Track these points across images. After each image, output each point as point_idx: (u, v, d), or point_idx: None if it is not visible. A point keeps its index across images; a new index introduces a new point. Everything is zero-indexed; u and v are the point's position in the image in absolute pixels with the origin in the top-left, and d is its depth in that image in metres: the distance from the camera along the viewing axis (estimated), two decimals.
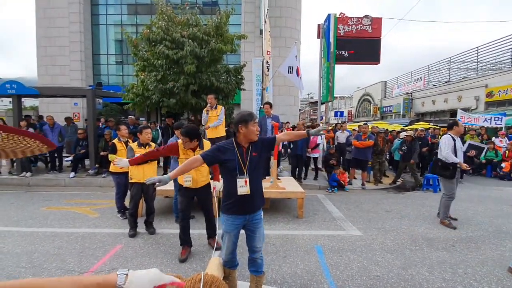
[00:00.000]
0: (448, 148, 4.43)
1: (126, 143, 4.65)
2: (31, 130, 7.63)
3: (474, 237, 4.09)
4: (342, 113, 31.42)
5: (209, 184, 3.34)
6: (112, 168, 4.67)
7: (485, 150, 8.17)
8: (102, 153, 7.19)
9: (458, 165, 4.41)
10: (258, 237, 2.35)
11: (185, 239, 3.36)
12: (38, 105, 17.60)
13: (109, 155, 4.57)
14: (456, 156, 4.42)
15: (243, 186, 2.23)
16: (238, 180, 2.23)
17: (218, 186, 3.12)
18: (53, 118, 7.89)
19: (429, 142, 8.86)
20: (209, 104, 5.49)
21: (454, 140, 4.47)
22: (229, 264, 2.52)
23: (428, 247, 3.70)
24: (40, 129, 7.94)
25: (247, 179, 2.23)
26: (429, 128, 12.87)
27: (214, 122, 5.45)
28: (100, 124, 8.75)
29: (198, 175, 3.22)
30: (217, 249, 3.29)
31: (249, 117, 2.21)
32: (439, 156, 4.64)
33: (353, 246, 3.71)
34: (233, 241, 2.39)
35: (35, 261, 3.18)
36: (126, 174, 4.18)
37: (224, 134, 5.70)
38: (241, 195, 2.23)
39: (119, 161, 3.15)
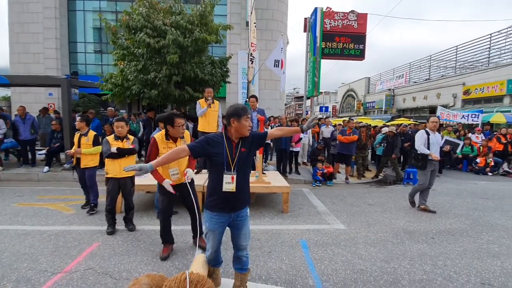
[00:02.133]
0: (420, 141, 4.89)
1: (80, 136, 4.52)
2: (1, 121, 7.12)
3: (452, 229, 4.22)
4: (327, 107, 31.84)
5: (192, 179, 3.19)
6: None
7: (461, 146, 8.50)
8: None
9: (429, 157, 4.80)
10: (244, 234, 2.27)
11: (167, 238, 3.23)
12: (10, 95, 16.54)
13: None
14: (428, 149, 4.81)
15: (229, 183, 2.12)
16: (224, 176, 2.12)
17: (189, 173, 2.90)
18: (25, 108, 7.37)
19: (411, 138, 9.08)
20: (209, 98, 5.27)
21: (428, 134, 4.88)
22: (213, 262, 2.44)
23: (409, 240, 3.78)
24: (11, 121, 7.42)
25: (234, 176, 2.12)
26: (410, 124, 13.27)
27: (202, 110, 5.25)
28: (75, 116, 8.28)
29: (181, 167, 3.07)
30: (200, 247, 3.19)
31: (243, 111, 2.10)
32: (414, 148, 5.08)
33: (337, 240, 3.73)
34: (218, 239, 2.30)
35: (5, 261, 2.96)
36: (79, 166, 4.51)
37: (217, 130, 5.56)
38: (226, 192, 2.13)
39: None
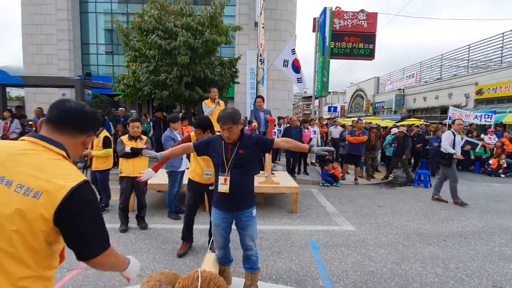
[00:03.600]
0: (447, 141, 5.36)
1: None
2: (17, 121, 7.36)
3: (464, 232, 4.17)
4: (336, 108, 31.57)
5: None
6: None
7: (479, 146, 8.39)
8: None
9: (454, 156, 5.30)
10: (249, 235, 2.30)
11: (187, 235, 3.29)
12: (25, 96, 17.00)
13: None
14: (453, 148, 5.29)
15: (222, 184, 2.19)
16: (219, 176, 2.20)
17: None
18: (42, 110, 7.59)
19: (425, 139, 8.96)
20: (215, 98, 5.35)
21: (454, 135, 5.37)
22: (223, 261, 2.48)
23: (421, 242, 3.74)
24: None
25: (227, 178, 2.17)
26: (420, 125, 13.06)
27: (210, 109, 5.32)
28: None
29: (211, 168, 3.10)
30: (212, 248, 3.24)
31: (218, 120, 2.12)
32: (441, 148, 5.57)
33: (347, 241, 3.72)
34: (222, 235, 2.34)
35: None
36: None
37: None
38: (221, 192, 2.19)
39: (144, 174, 2.80)
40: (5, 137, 7.06)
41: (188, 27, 6.39)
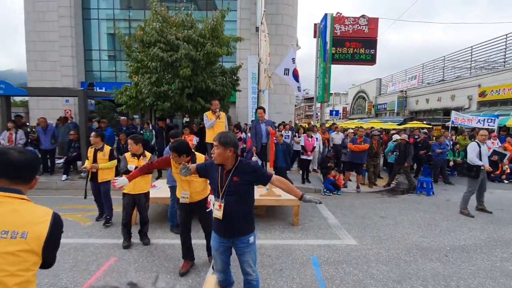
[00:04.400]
0: (473, 153, 5.34)
1: (96, 151, 4.65)
2: (21, 132, 7.45)
3: (466, 245, 4.16)
4: (337, 111, 31.50)
5: (206, 198, 3.28)
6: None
7: (507, 156, 8.20)
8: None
9: (482, 167, 5.28)
10: (246, 261, 2.30)
11: (187, 253, 3.32)
12: (28, 101, 17.16)
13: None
14: (480, 160, 5.26)
15: (217, 210, 2.22)
16: (215, 202, 2.25)
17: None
18: (46, 120, 7.68)
19: (428, 145, 8.91)
20: (216, 110, 5.42)
21: (479, 146, 5.36)
22: (224, 284, 2.51)
23: (422, 258, 3.75)
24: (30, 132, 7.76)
25: (221, 204, 2.18)
26: (423, 128, 13.01)
27: (211, 122, 5.38)
28: (91, 125, 8.55)
29: (192, 190, 3.15)
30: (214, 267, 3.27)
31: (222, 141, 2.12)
32: (467, 160, 5.55)
33: (348, 257, 3.73)
34: (222, 259, 2.36)
35: None
36: (95, 181, 4.67)
37: None
38: (216, 217, 2.23)
39: (118, 181, 3.00)
40: None
41: (190, 39, 6.44)
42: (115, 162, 4.68)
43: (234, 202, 2.17)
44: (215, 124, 5.39)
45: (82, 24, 16.16)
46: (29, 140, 8.07)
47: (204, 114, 5.52)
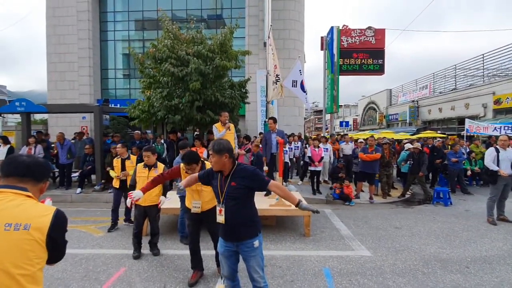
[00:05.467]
0: (489, 158, 5.31)
1: (123, 160, 5.01)
2: (40, 147, 7.76)
3: (488, 256, 3.93)
4: (347, 123, 31.26)
5: (214, 207, 3.28)
6: (114, 183, 5.09)
7: None
8: (108, 168, 7.27)
9: (498, 173, 5.16)
10: (252, 266, 2.28)
11: (196, 263, 3.31)
12: (48, 119, 17.96)
13: (110, 171, 5.09)
14: (498, 165, 5.19)
15: (219, 215, 2.26)
16: (217, 207, 2.30)
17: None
18: (64, 135, 8.00)
19: (444, 154, 8.67)
20: (226, 122, 5.48)
21: (497, 151, 5.28)
22: None
23: (442, 269, 3.56)
24: (48, 147, 8.08)
25: (222, 209, 2.23)
26: (435, 138, 12.68)
27: (220, 134, 5.43)
28: (106, 140, 8.82)
29: (202, 199, 3.17)
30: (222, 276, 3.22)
31: (216, 149, 2.20)
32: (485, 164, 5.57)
33: (362, 268, 3.59)
34: (228, 264, 2.36)
35: None
36: (123, 189, 4.78)
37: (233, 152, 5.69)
38: (219, 222, 2.28)
39: (134, 194, 3.08)
40: None
41: (199, 54, 6.69)
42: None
43: (234, 206, 2.21)
44: (224, 135, 5.44)
45: (99, 45, 17.06)
46: (49, 155, 8.37)
47: (214, 125, 5.60)
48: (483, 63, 17.97)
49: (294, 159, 9.57)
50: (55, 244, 1.18)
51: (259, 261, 2.30)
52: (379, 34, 12.70)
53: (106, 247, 4.31)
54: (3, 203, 1.13)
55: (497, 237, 4.67)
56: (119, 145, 5.08)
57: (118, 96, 17.23)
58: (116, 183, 5.04)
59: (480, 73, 18.45)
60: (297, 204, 2.20)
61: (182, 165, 3.24)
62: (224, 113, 5.52)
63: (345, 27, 12.80)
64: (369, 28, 12.72)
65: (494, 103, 15.81)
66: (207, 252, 3.66)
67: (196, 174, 2.53)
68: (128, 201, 3.56)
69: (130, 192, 3.19)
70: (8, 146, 7.84)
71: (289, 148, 8.89)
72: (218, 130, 5.47)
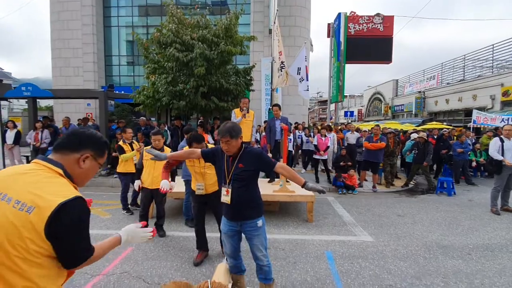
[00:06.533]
0: (493, 148, 5.28)
1: (131, 144, 5.14)
2: (47, 131, 7.84)
3: (490, 244, 3.96)
4: (352, 112, 30.97)
5: (219, 190, 3.32)
6: (120, 168, 5.14)
7: None
8: (113, 154, 7.34)
9: (503, 162, 5.12)
10: (255, 245, 2.35)
11: (201, 244, 3.40)
12: (53, 105, 18.07)
13: (122, 156, 5.02)
14: (502, 155, 5.15)
15: (225, 195, 2.31)
16: (222, 187, 2.33)
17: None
18: (69, 119, 8.07)
19: (450, 144, 8.60)
20: (244, 108, 5.38)
21: (502, 141, 5.25)
22: (235, 270, 2.53)
23: (443, 255, 3.60)
24: (57, 132, 8.17)
25: (229, 190, 2.27)
26: (442, 128, 12.55)
27: (236, 120, 5.37)
28: (111, 125, 8.89)
29: (206, 182, 3.21)
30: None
31: (218, 133, 2.24)
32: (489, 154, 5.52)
33: (364, 252, 3.65)
34: (231, 243, 2.42)
35: None
36: (131, 174, 4.79)
37: (250, 139, 5.66)
38: (224, 202, 2.32)
39: (163, 187, 3.06)
40: (36, 147, 7.55)
41: (204, 39, 6.60)
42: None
43: (241, 187, 2.25)
44: (241, 122, 5.38)
45: (103, 31, 16.92)
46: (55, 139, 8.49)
47: (233, 110, 5.56)
48: (492, 54, 17.53)
49: (294, 149, 9.55)
50: (59, 242, 0.99)
51: (262, 240, 2.35)
52: (388, 21, 12.39)
53: (113, 228, 4.41)
54: (28, 176, 1.04)
55: (500, 227, 4.68)
56: (129, 130, 5.21)
57: (122, 83, 17.19)
58: (125, 168, 5.06)
59: (489, 64, 18.02)
60: (303, 185, 2.21)
61: (186, 148, 3.27)
62: (244, 99, 5.44)
63: (352, 13, 12.50)
64: (377, 15, 12.41)
65: (502, 95, 15.50)
66: (212, 234, 3.73)
67: (198, 150, 2.51)
68: (136, 183, 3.88)
69: (161, 187, 3.08)
70: (16, 130, 7.94)
71: (298, 135, 8.90)
72: (236, 116, 5.44)
